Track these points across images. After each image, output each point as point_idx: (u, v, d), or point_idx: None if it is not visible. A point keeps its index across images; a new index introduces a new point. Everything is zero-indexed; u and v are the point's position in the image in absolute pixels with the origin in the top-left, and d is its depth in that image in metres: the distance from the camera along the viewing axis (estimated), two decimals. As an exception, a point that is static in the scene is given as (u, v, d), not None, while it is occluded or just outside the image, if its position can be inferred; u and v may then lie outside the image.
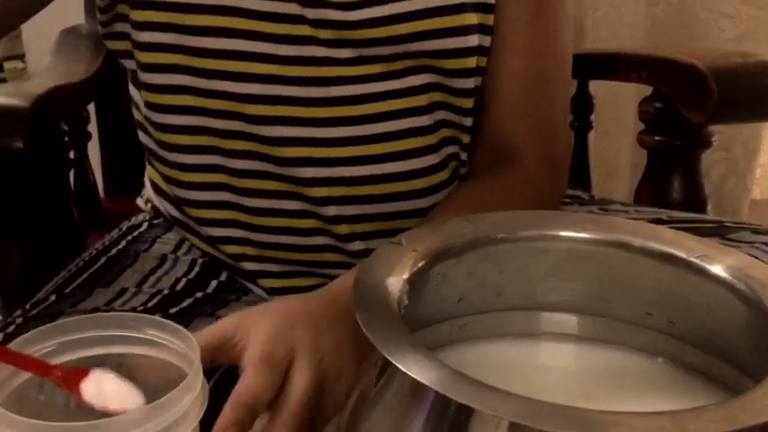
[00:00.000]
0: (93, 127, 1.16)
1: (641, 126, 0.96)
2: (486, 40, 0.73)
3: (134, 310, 0.71)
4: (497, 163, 0.76)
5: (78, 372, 0.42)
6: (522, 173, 0.75)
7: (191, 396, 0.42)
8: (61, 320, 0.46)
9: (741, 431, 0.34)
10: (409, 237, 0.48)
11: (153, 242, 0.82)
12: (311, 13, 0.70)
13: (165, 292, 0.75)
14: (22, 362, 0.43)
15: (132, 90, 0.81)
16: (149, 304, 0.72)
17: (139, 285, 0.75)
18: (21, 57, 1.98)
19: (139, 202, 0.90)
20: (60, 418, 0.41)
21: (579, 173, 1.16)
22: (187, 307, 0.74)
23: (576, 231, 0.50)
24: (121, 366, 0.45)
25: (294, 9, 0.70)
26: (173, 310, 0.73)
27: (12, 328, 0.69)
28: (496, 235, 0.49)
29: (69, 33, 1.15)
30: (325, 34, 0.70)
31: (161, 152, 0.77)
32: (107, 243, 0.83)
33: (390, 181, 0.74)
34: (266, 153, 0.73)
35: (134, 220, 0.87)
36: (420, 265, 0.46)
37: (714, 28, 1.35)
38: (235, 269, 0.80)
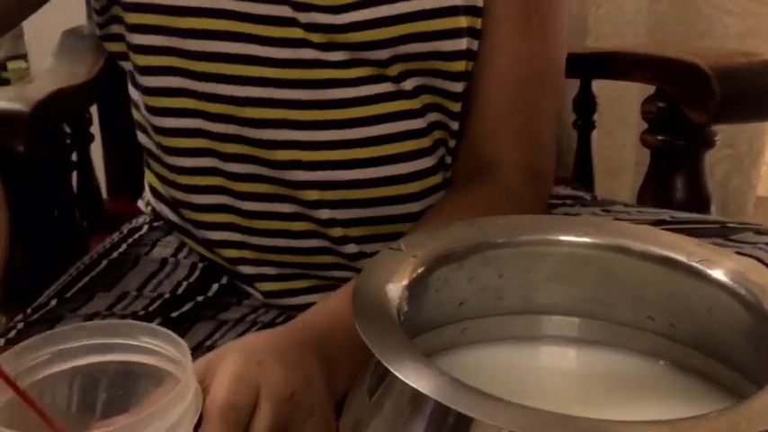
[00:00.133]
0: (95, 128, 1.16)
1: (644, 125, 0.96)
2: (475, 44, 0.73)
3: (135, 314, 0.71)
4: (479, 173, 0.75)
5: None
6: (502, 186, 0.73)
7: (184, 402, 0.42)
8: (54, 330, 0.46)
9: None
10: (409, 242, 0.48)
11: (153, 245, 0.82)
12: (302, 17, 0.70)
13: (167, 295, 0.75)
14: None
15: (132, 91, 0.80)
16: (150, 308, 0.72)
17: (140, 289, 0.75)
18: (23, 57, 1.98)
19: (140, 204, 0.90)
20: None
21: (582, 172, 1.15)
22: (188, 311, 0.74)
23: (576, 236, 0.50)
24: (115, 374, 0.45)
25: (286, 12, 0.70)
26: (174, 314, 0.73)
27: (13, 333, 0.69)
28: (497, 239, 0.49)
29: (71, 34, 1.15)
30: (316, 37, 0.70)
31: (159, 154, 0.77)
32: (108, 246, 0.83)
33: (384, 184, 0.74)
34: (259, 156, 0.73)
35: (135, 223, 0.87)
36: (420, 270, 0.46)
37: (718, 25, 1.34)
38: (232, 273, 0.80)
